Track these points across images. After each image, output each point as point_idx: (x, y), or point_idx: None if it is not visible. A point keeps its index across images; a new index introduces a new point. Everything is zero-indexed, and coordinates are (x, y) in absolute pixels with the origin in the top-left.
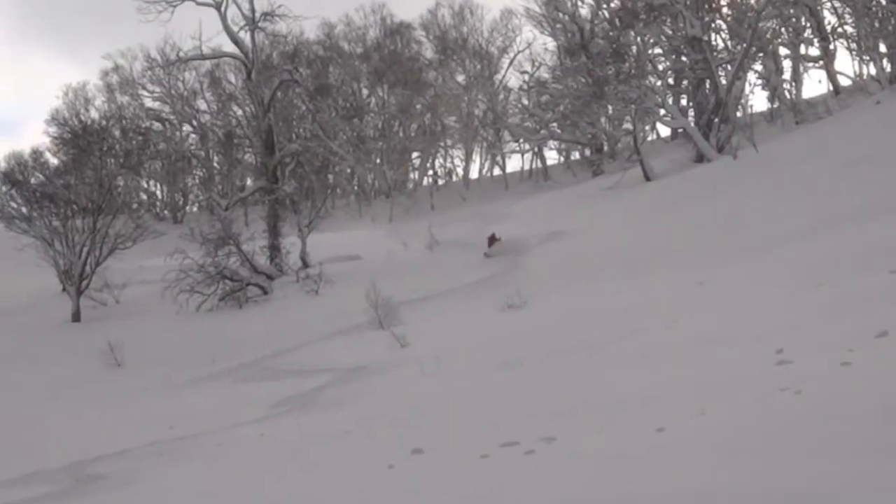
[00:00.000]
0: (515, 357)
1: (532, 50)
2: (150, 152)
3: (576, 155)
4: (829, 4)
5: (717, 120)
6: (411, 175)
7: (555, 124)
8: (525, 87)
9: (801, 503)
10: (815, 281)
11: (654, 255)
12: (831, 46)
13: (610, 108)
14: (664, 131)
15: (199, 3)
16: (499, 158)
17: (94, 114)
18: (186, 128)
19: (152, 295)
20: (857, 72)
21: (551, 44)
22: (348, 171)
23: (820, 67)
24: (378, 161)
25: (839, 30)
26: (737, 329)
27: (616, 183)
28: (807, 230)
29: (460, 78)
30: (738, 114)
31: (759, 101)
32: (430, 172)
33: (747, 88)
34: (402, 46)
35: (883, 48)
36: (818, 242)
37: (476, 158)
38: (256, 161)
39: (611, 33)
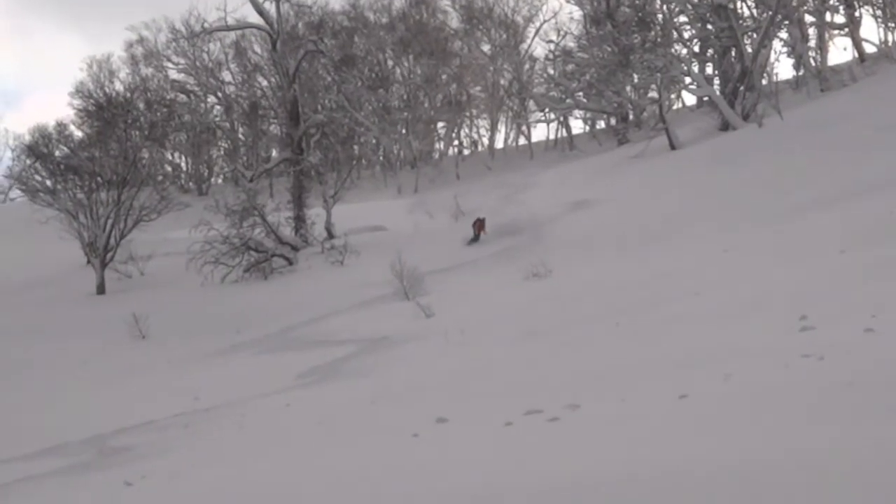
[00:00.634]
0: (540, 326)
1: (558, 19)
2: (174, 124)
3: (601, 124)
4: None
5: (742, 88)
6: (437, 145)
7: (580, 93)
8: (551, 56)
9: (823, 469)
10: (840, 248)
11: (680, 224)
12: (857, 14)
13: (635, 76)
14: (690, 100)
15: None
16: (524, 128)
17: (118, 86)
18: (211, 99)
19: (177, 267)
20: (883, 39)
21: (577, 13)
22: (374, 141)
23: (845, 35)
24: (403, 131)
25: None
26: (761, 296)
27: (641, 152)
28: (831, 197)
29: (486, 48)
30: (764, 82)
31: (784, 68)
32: (456, 142)
33: (773, 56)
34: (428, 16)
35: None
36: (842, 210)
37: (501, 128)
38: (281, 132)
39: (636, 2)
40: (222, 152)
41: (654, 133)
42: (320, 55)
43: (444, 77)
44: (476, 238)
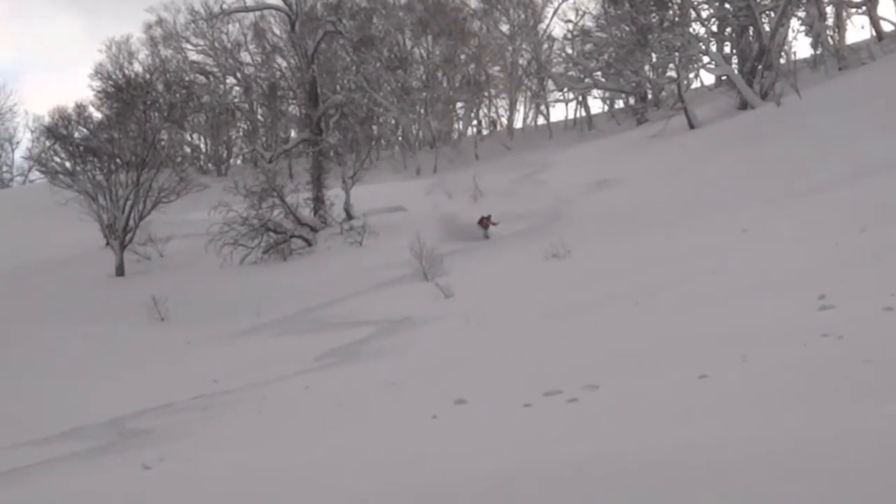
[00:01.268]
0: (559, 306)
1: None
2: (193, 105)
3: (620, 103)
4: None
5: (760, 67)
6: (456, 125)
7: (599, 73)
8: (569, 36)
9: (843, 448)
10: (859, 227)
11: (698, 203)
12: None
13: (654, 56)
14: (708, 79)
15: None
16: (543, 108)
17: (137, 67)
18: (230, 80)
19: (196, 248)
20: None
21: None
22: (392, 122)
23: (863, 13)
24: (422, 112)
25: None
26: (780, 275)
27: (660, 131)
28: (850, 176)
29: (504, 28)
30: (782, 60)
31: (802, 47)
32: (475, 122)
33: (790, 35)
34: None
35: None
36: (861, 188)
37: (520, 108)
38: (300, 113)
39: None
40: (241, 133)
41: (672, 112)
42: (339, 36)
43: (462, 57)
44: (486, 233)
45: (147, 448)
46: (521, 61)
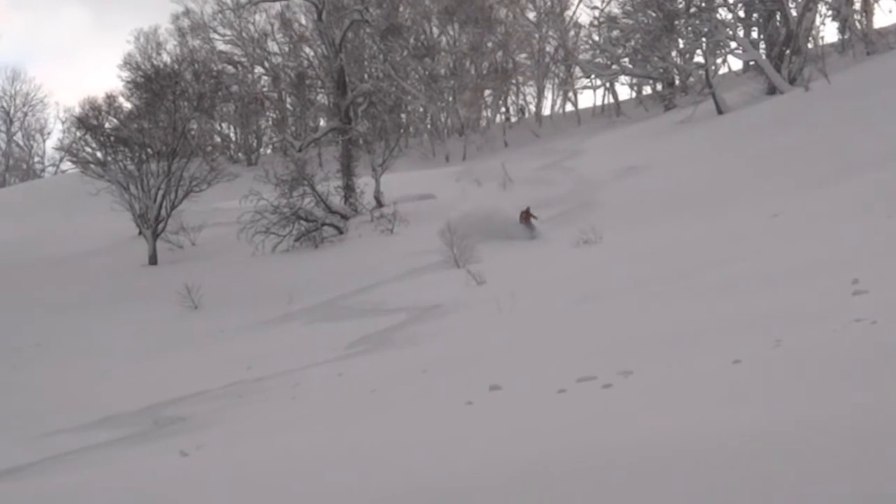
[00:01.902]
0: (591, 292)
1: None
2: (222, 95)
3: (648, 89)
4: None
5: (788, 52)
6: (484, 113)
7: (626, 59)
8: (596, 22)
9: (878, 430)
10: (888, 211)
11: (728, 188)
12: None
13: (681, 41)
14: (736, 64)
15: None
16: (571, 95)
17: (166, 58)
18: (258, 70)
19: (228, 237)
20: None
21: None
22: (421, 110)
23: None
24: (450, 99)
25: None
26: (811, 260)
27: (688, 117)
28: (879, 161)
29: (531, 15)
30: (809, 45)
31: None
32: (503, 110)
33: (818, 20)
34: None
35: None
36: (891, 173)
37: (548, 95)
38: (329, 101)
39: None
40: (270, 122)
41: (700, 98)
42: (366, 25)
43: (489, 45)
44: (529, 225)
45: (183, 435)
46: (548, 48)
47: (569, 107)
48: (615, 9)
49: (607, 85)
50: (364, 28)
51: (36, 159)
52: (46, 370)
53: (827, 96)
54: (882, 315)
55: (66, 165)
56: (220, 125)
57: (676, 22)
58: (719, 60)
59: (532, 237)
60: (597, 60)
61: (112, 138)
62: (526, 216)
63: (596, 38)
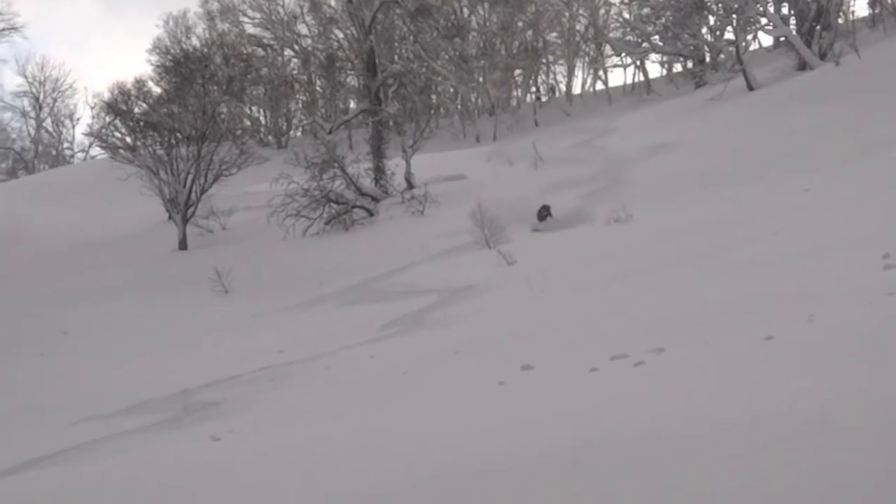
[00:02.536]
0: (622, 270)
1: None
2: (252, 78)
3: (678, 67)
4: None
5: (818, 27)
6: (514, 93)
7: (656, 37)
8: (626, 0)
9: None
10: None
11: (759, 164)
12: None
13: (711, 18)
14: (766, 40)
15: None
16: (601, 73)
17: (195, 42)
18: (288, 52)
19: (258, 221)
20: None
21: None
22: (451, 90)
23: None
24: (481, 80)
25: None
26: (843, 235)
27: (719, 93)
28: None
29: None
30: (840, 20)
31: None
32: (533, 89)
33: None
34: None
35: None
36: None
37: (578, 74)
38: (359, 83)
39: None
40: (300, 105)
41: (731, 75)
42: (395, 6)
43: (519, 24)
44: (546, 224)
45: (216, 420)
46: (578, 27)
47: (599, 85)
48: None
49: (638, 63)
50: (394, 9)
51: (65, 145)
52: (75, 358)
53: (858, 71)
54: None
55: (96, 151)
56: (249, 108)
57: None
58: (750, 37)
59: (534, 229)
60: (627, 38)
61: (141, 123)
62: (545, 214)
63: (626, 15)
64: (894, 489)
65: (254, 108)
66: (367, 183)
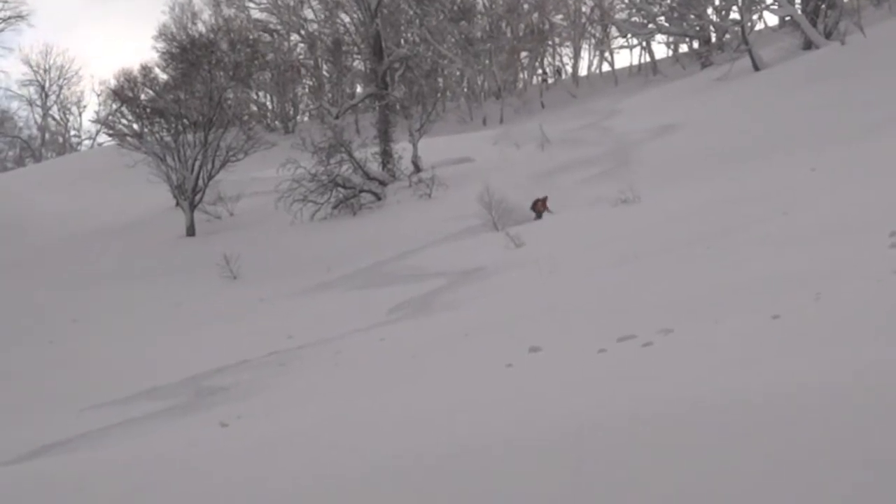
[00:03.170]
0: (631, 251)
1: None
2: (258, 64)
3: (684, 48)
4: None
5: (823, 6)
6: (521, 75)
7: (662, 18)
8: None
9: None
10: None
11: (766, 144)
12: None
13: None
14: (772, 20)
15: None
16: (607, 55)
17: (201, 27)
18: (294, 37)
19: (266, 206)
20: None
21: None
22: (457, 73)
23: None
24: (487, 62)
25: None
26: (850, 213)
27: (725, 74)
28: None
29: None
30: None
31: None
32: (540, 71)
33: None
34: None
35: None
36: None
37: (584, 55)
38: (365, 67)
39: None
40: (307, 90)
41: (737, 55)
42: None
43: (525, 6)
44: (539, 216)
45: (224, 406)
46: (583, 9)
47: (605, 67)
48: None
49: (644, 44)
50: None
51: (72, 133)
52: (84, 345)
53: (864, 50)
54: None
55: (103, 138)
56: (256, 94)
57: None
58: (755, 16)
59: (535, 218)
60: (633, 19)
61: (148, 110)
62: (542, 206)
63: None
64: None
65: (260, 94)
66: (374, 167)
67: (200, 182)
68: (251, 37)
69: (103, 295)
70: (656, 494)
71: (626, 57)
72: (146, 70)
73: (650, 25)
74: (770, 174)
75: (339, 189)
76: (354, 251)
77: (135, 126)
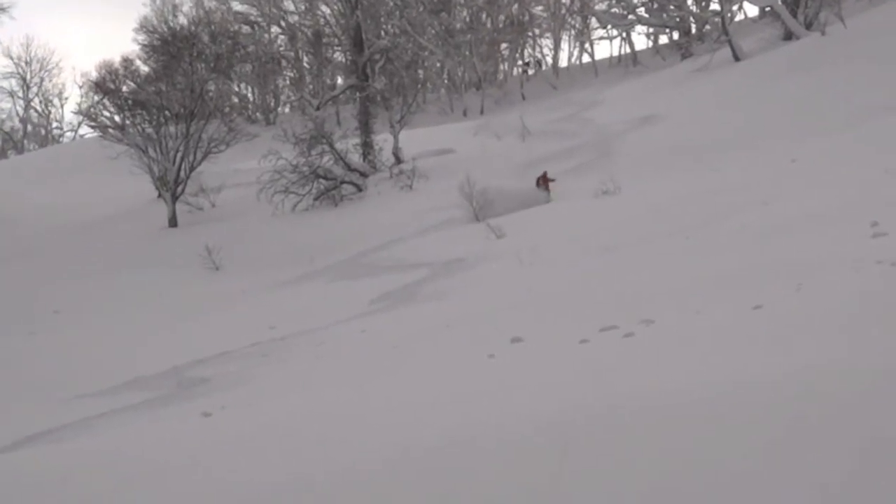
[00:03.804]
0: (611, 242)
1: None
2: (239, 55)
3: (664, 39)
4: None
5: None
6: (501, 66)
7: (642, 9)
8: None
9: None
10: None
11: (746, 135)
12: None
13: None
14: (752, 10)
15: None
16: (587, 46)
17: (182, 20)
18: (275, 29)
19: (248, 197)
20: None
21: None
22: (438, 65)
23: None
24: (467, 54)
25: None
26: (831, 204)
27: (705, 65)
28: None
29: None
30: None
31: None
32: (520, 63)
33: None
34: None
35: None
36: None
37: (564, 47)
38: (346, 59)
39: None
40: (288, 82)
41: (717, 46)
42: None
43: None
44: (546, 190)
45: (207, 396)
46: (563, 0)
47: (586, 58)
48: None
49: (624, 35)
50: None
51: (54, 125)
52: (66, 336)
53: (843, 40)
54: None
55: (85, 130)
56: (237, 86)
57: None
58: (735, 7)
59: (548, 201)
60: (613, 10)
61: (130, 102)
62: (544, 180)
63: None
64: (878, 454)
65: (242, 86)
66: (355, 158)
67: (182, 173)
68: (232, 29)
69: (85, 286)
70: (641, 484)
71: (606, 48)
72: (128, 62)
73: (630, 16)
74: (751, 165)
75: (321, 180)
76: (336, 242)
77: (117, 118)
